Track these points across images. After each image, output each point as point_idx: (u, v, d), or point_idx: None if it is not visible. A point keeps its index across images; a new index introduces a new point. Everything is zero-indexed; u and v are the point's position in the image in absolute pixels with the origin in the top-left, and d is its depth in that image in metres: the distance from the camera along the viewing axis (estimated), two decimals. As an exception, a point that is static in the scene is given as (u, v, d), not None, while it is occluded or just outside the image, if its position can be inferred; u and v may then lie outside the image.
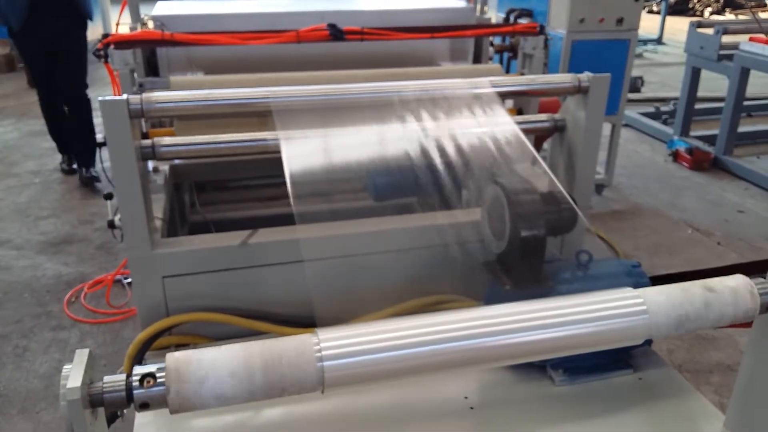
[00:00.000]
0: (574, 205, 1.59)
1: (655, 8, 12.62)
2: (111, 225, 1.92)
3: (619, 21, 3.48)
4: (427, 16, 2.60)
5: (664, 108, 5.64)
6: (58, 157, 4.96)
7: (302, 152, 1.55)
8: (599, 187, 4.06)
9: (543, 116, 2.07)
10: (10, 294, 2.65)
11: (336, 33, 2.16)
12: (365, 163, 1.63)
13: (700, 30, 4.66)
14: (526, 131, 2.15)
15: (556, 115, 2.05)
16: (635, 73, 7.44)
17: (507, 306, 1.20)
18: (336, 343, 1.07)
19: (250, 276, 1.82)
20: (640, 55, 9.11)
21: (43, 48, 4.14)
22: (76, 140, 4.59)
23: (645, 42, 9.67)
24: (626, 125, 5.66)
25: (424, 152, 1.71)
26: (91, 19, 4.36)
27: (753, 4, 13.29)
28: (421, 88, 1.72)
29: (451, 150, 1.72)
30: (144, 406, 1.00)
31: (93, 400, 0.98)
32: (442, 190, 1.80)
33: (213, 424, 1.47)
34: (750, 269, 1.48)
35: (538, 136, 2.43)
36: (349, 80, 1.90)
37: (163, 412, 1.01)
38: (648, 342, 1.84)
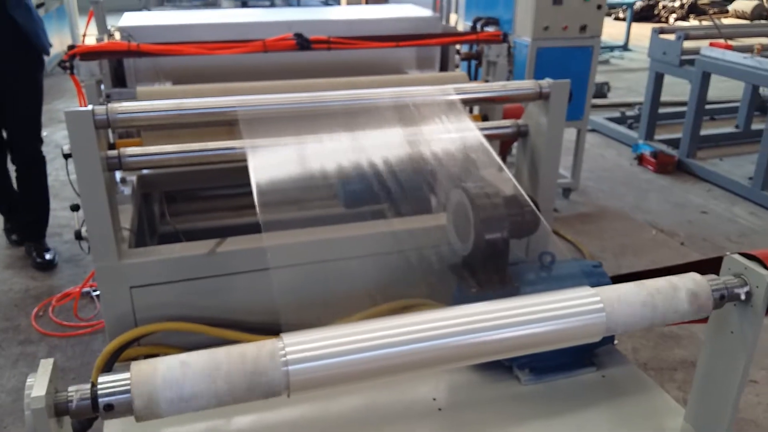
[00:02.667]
0: (535, 208, 1.62)
1: (621, 15, 12.86)
2: (78, 236, 1.92)
3: (583, 28, 3.56)
4: (394, 25, 2.63)
5: (629, 113, 5.76)
6: None
7: (268, 162, 1.56)
8: (566, 191, 4.13)
9: (506, 122, 2.12)
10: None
11: (302, 42, 2.18)
12: (331, 172, 1.65)
13: (662, 36, 4.78)
14: (490, 137, 2.20)
15: (519, 121, 2.10)
16: (602, 78, 7.59)
17: (469, 307, 1.23)
18: (301, 347, 1.09)
19: (219, 285, 1.83)
20: (606, 62, 9.28)
21: None
22: (24, 209, 3.57)
23: (611, 48, 9.86)
24: (593, 130, 5.77)
25: (390, 159, 1.74)
26: (47, 53, 3.39)
27: (715, 10, 13.64)
28: (385, 96, 1.75)
29: (416, 157, 1.75)
30: (110, 414, 1.01)
31: (58, 408, 0.99)
32: (410, 197, 1.83)
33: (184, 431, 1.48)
34: (705, 267, 1.53)
35: (504, 142, 2.48)
36: (315, 89, 1.92)
37: (132, 421, 1.02)
38: (611, 340, 1.89)
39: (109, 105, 1.60)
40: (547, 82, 1.95)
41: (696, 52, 4.44)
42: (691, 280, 1.36)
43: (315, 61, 2.48)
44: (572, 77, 3.63)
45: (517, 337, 1.21)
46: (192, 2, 12.46)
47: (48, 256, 3.45)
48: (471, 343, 1.18)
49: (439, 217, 1.88)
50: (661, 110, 5.77)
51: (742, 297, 1.37)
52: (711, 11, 13.38)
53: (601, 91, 7.07)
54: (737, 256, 1.42)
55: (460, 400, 1.71)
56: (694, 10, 13.48)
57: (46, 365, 1.01)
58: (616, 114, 5.92)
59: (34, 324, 2.85)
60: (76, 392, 1.00)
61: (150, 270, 1.78)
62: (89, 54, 2.02)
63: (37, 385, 0.96)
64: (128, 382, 1.01)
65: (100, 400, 1.00)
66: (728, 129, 5.61)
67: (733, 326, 1.43)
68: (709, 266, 1.52)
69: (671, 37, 4.65)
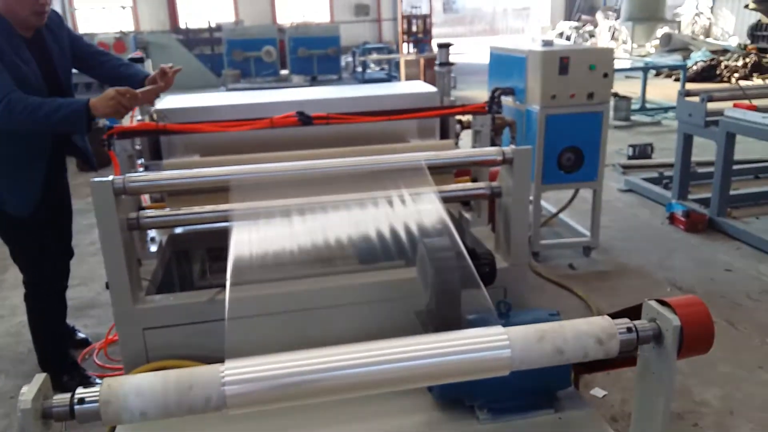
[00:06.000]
0: (468, 264, 1.77)
1: (681, 77, 12.82)
2: (108, 286, 2.24)
3: (590, 96, 3.75)
4: (397, 101, 2.93)
5: (667, 173, 5.81)
6: (94, 233, 5.34)
7: (248, 238, 1.82)
8: (587, 249, 4.23)
9: (481, 184, 2.34)
10: (32, 350, 3.01)
11: (304, 119, 2.50)
12: (302, 249, 1.88)
13: (688, 98, 4.89)
14: (466, 197, 2.44)
15: (494, 183, 2.31)
16: (649, 139, 7.66)
17: (388, 341, 1.43)
18: (238, 371, 1.33)
19: (219, 328, 2.09)
20: (658, 123, 9.33)
21: (52, 219, 2.92)
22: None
23: (665, 110, 9.89)
24: (629, 190, 5.84)
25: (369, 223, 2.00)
26: (96, 170, 3.03)
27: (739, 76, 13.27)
28: (355, 164, 2.03)
29: (386, 219, 2.00)
30: (83, 418, 1.27)
31: (44, 413, 1.26)
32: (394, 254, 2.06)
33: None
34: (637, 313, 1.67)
35: (491, 201, 2.66)
36: (309, 159, 2.20)
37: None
38: (568, 383, 2.02)
39: (126, 175, 1.94)
40: (510, 148, 2.16)
41: (721, 113, 4.53)
42: (600, 323, 1.52)
43: (326, 133, 2.79)
44: (583, 142, 3.84)
45: (429, 367, 1.41)
46: (266, 79, 13.27)
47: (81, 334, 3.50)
48: (385, 371, 1.38)
49: (411, 270, 2.10)
50: (700, 170, 5.80)
51: (652, 338, 1.52)
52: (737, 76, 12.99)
53: (645, 152, 7.13)
54: (653, 303, 1.58)
55: (420, 436, 1.89)
56: (758, 68, 13.27)
57: (38, 378, 1.29)
58: (655, 174, 5.98)
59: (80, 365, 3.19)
60: (59, 400, 1.28)
61: (160, 314, 2.08)
62: (124, 133, 2.41)
63: (28, 392, 1.24)
64: (97, 394, 1.28)
65: (75, 407, 1.27)
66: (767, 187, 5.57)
67: (653, 368, 1.58)
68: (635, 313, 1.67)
69: (696, 99, 4.75)
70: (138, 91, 2.54)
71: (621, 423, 2.50)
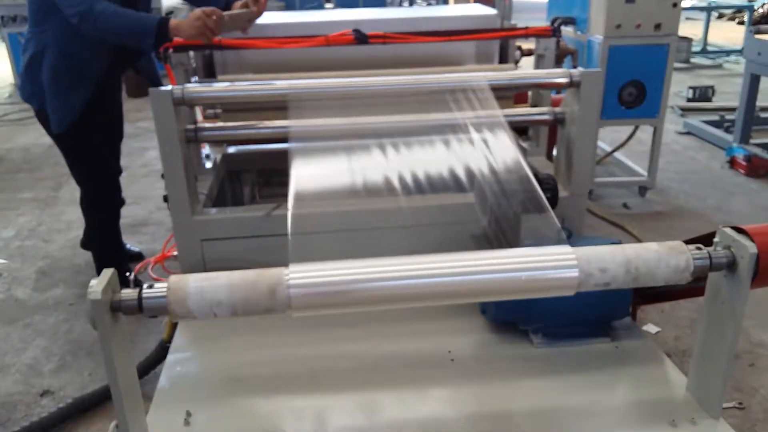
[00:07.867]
0: (537, 189, 1.72)
1: (746, 19, 12.14)
2: (166, 199, 2.26)
3: (657, 26, 3.55)
4: (454, 23, 2.82)
5: (729, 116, 5.56)
6: (150, 155, 5.32)
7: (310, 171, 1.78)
8: (642, 189, 4.10)
9: (544, 109, 2.26)
10: (89, 263, 3.11)
11: (360, 37, 2.43)
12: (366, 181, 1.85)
13: (758, 36, 4.61)
14: (527, 122, 2.36)
15: (557, 109, 2.22)
16: (711, 82, 7.32)
17: (457, 254, 1.40)
18: (302, 275, 1.32)
19: (274, 242, 2.10)
20: (719, 66, 8.90)
21: (107, 137, 3.05)
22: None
23: (728, 53, 9.43)
24: (688, 133, 5.63)
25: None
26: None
27: None
28: (415, 82, 1.96)
29: (448, 150, 1.94)
30: (151, 312, 1.29)
31: (113, 306, 1.28)
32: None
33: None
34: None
35: (552, 128, 2.58)
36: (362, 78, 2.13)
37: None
38: (626, 313, 1.98)
39: (185, 85, 1.93)
40: (578, 71, 2.07)
41: (795, 51, 4.26)
42: (672, 247, 1.45)
43: (381, 55, 2.71)
44: (646, 75, 3.68)
45: (495, 282, 1.37)
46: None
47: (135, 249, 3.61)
48: (450, 283, 1.36)
49: (468, 195, 2.05)
50: (763, 114, 5.53)
51: (726, 265, 1.45)
52: None
53: (705, 95, 6.83)
54: (728, 230, 1.50)
55: (472, 354, 1.89)
56: (826, 11, 12.42)
57: (107, 273, 1.30)
58: (716, 118, 5.74)
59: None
60: (128, 294, 1.29)
61: (218, 226, 2.10)
62: (180, 47, 2.38)
63: (98, 284, 1.25)
64: (165, 289, 1.29)
65: (144, 301, 1.28)
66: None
67: (723, 297, 1.52)
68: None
69: (766, 37, 4.48)
70: (226, 14, 2.39)
71: (674, 359, 2.43)
